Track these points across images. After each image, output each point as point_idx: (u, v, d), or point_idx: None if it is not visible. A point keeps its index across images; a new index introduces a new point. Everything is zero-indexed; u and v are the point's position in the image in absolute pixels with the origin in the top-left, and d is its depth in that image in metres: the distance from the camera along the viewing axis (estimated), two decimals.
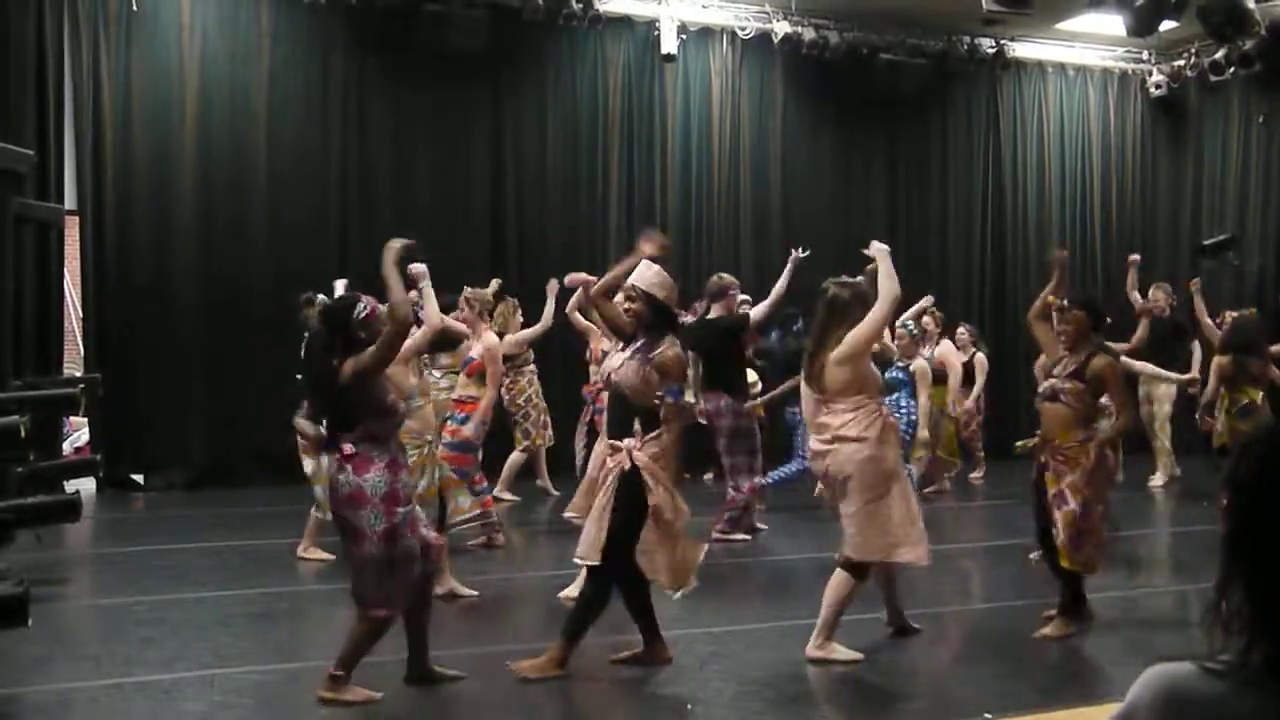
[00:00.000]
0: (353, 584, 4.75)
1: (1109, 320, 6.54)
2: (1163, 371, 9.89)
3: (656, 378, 5.11)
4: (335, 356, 4.74)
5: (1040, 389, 5.95)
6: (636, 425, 5.09)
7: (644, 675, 5.16)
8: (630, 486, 5.04)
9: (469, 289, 7.81)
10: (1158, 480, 11.04)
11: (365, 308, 4.83)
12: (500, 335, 8.59)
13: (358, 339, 4.77)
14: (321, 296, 7.74)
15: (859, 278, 5.78)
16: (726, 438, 8.33)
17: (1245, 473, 1.50)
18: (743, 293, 9.33)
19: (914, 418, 8.96)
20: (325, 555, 7.40)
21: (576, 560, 5.28)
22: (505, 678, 5.11)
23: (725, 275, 8.87)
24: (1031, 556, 6.64)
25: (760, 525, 8.69)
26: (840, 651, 5.39)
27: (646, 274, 5.30)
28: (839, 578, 5.40)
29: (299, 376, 7.68)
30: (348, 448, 4.69)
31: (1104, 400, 6.00)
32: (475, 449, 7.54)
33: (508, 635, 6.09)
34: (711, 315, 8.60)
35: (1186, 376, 10.12)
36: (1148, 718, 1.48)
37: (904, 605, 5.88)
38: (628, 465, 5.04)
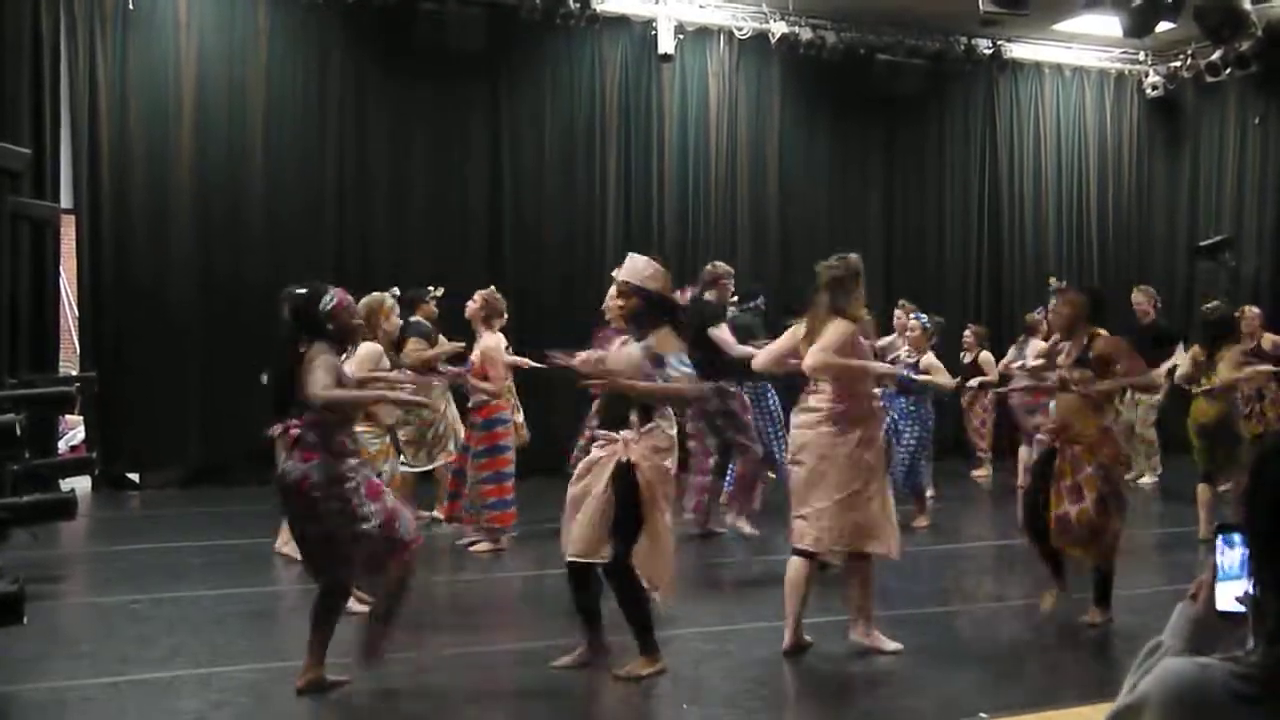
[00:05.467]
0: (312, 569, 4.79)
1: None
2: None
3: (650, 365, 4.97)
4: (300, 346, 4.72)
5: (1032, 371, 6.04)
6: (633, 417, 4.94)
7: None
8: (627, 480, 4.88)
9: (494, 291, 8.04)
10: (1147, 480, 11.10)
11: (332, 299, 4.79)
12: None
13: (324, 331, 4.75)
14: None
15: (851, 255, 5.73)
16: (718, 419, 8.16)
17: (1269, 483, 1.52)
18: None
19: (931, 423, 8.87)
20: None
21: (572, 559, 5.01)
22: (497, 677, 5.09)
23: (720, 264, 8.70)
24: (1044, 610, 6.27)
25: (719, 529, 8.44)
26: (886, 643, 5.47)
27: (636, 266, 5.15)
28: (857, 567, 5.43)
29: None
30: (294, 431, 4.67)
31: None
32: (506, 448, 7.79)
33: (499, 635, 6.08)
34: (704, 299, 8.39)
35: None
36: (1156, 713, 1.48)
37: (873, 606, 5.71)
38: (624, 458, 4.88)
